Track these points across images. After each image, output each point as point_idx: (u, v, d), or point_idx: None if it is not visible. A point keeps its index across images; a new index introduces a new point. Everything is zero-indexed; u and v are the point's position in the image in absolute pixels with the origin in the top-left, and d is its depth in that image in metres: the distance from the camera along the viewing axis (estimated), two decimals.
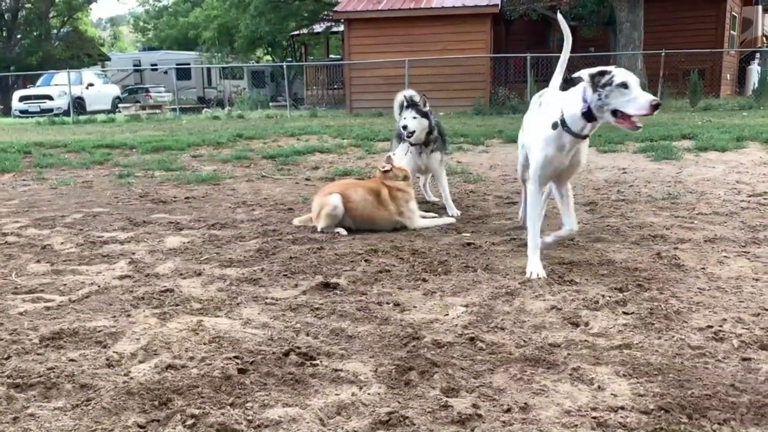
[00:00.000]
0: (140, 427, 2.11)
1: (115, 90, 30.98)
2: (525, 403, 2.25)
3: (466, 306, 3.29)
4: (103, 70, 35.83)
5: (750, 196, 6.05)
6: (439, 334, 2.91)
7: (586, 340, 2.81)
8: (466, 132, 11.84)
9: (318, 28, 31.18)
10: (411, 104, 5.55)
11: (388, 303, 3.37)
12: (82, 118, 20.68)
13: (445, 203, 5.70)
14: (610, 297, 3.33)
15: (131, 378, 2.47)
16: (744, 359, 2.59)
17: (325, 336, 2.91)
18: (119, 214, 5.88)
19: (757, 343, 2.75)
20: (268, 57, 39.98)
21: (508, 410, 2.21)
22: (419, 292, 3.57)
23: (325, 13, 27.97)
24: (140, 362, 2.63)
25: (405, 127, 5.47)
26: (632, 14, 20.19)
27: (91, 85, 28.48)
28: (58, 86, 26.61)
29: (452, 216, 5.47)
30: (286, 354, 2.66)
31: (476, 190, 6.85)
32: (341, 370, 2.53)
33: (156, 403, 2.26)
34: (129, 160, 9.84)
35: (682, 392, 2.31)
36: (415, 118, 5.48)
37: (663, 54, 17.80)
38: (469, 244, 4.57)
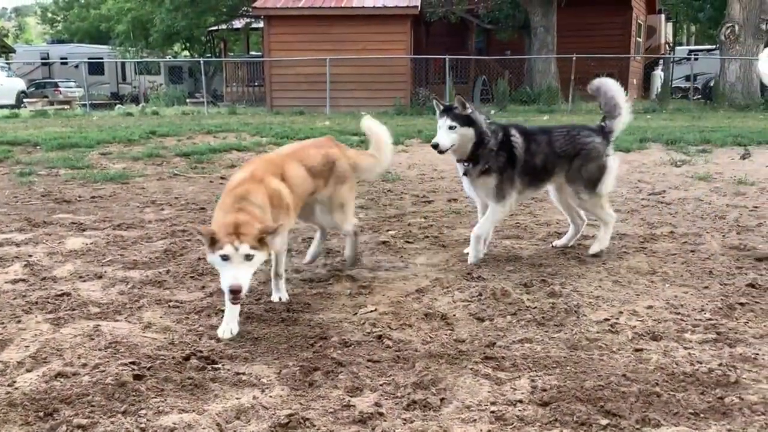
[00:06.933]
0: None
1: (20, 84, 29.21)
2: (426, 400, 2.26)
3: (376, 304, 3.29)
4: (7, 63, 33.70)
5: (650, 194, 6.37)
6: (347, 334, 2.89)
7: (489, 335, 2.87)
8: None
9: (238, 24, 30.55)
10: (445, 109, 4.10)
11: (297, 303, 3.33)
12: None
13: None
14: (515, 292, 3.41)
15: (16, 388, 2.32)
16: (636, 350, 2.71)
17: (229, 339, 2.84)
18: (17, 215, 5.54)
19: (649, 334, 2.88)
20: (186, 52, 38.87)
21: (410, 407, 2.22)
22: (329, 291, 3.54)
23: (245, 8, 27.41)
24: (27, 371, 2.48)
25: (435, 146, 4.01)
26: (546, 19, 20.94)
27: None
28: None
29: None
30: (187, 358, 2.57)
31: (393, 189, 6.89)
32: (243, 374, 2.47)
33: (41, 414, 2.14)
34: (32, 157, 9.29)
35: (578, 384, 2.39)
36: (451, 128, 3.98)
37: (574, 58, 18.50)
38: (384, 242, 4.58)
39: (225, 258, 2.77)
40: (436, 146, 4.00)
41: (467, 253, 4.12)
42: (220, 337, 2.86)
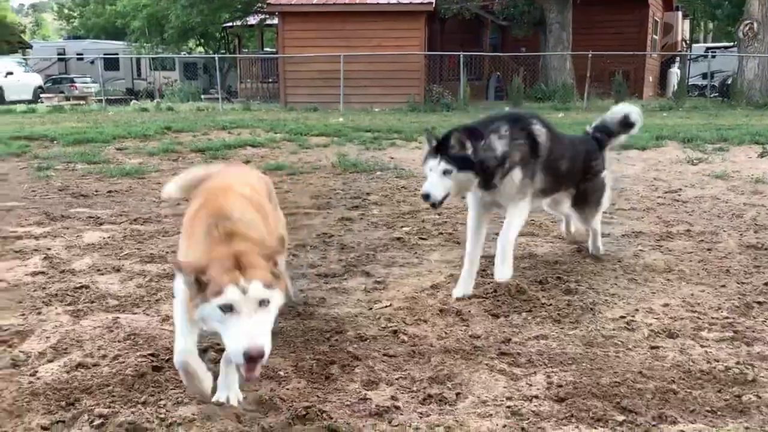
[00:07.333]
0: (44, 429, 2.03)
1: (37, 79, 29.51)
2: (442, 394, 2.27)
3: (391, 299, 3.30)
4: (24, 58, 33.99)
5: (666, 192, 6.32)
6: (363, 328, 2.91)
7: (505, 331, 2.87)
8: (400, 128, 11.91)
9: (252, 20, 30.62)
10: (439, 146, 3.20)
11: (313, 298, 3.35)
12: (0, 108, 19.63)
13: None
14: (531, 289, 3.40)
15: (38, 378, 2.36)
16: (653, 347, 2.71)
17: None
18: (36, 209, 5.61)
19: (665, 332, 2.87)
20: (201, 48, 39.04)
21: (426, 401, 2.24)
22: (345, 286, 3.56)
23: (259, 5, 27.48)
24: (49, 361, 2.52)
25: (426, 197, 3.17)
26: (561, 15, 20.81)
27: (10, 73, 27.08)
28: None
29: None
30: (204, 351, 2.59)
31: (407, 186, 6.89)
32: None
33: (63, 403, 2.17)
34: (49, 152, 9.39)
35: (594, 380, 2.39)
36: (446, 172, 3.14)
37: (590, 55, 18.37)
38: (398, 238, 4.59)
39: (227, 309, 1.80)
40: (427, 197, 3.12)
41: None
42: None
